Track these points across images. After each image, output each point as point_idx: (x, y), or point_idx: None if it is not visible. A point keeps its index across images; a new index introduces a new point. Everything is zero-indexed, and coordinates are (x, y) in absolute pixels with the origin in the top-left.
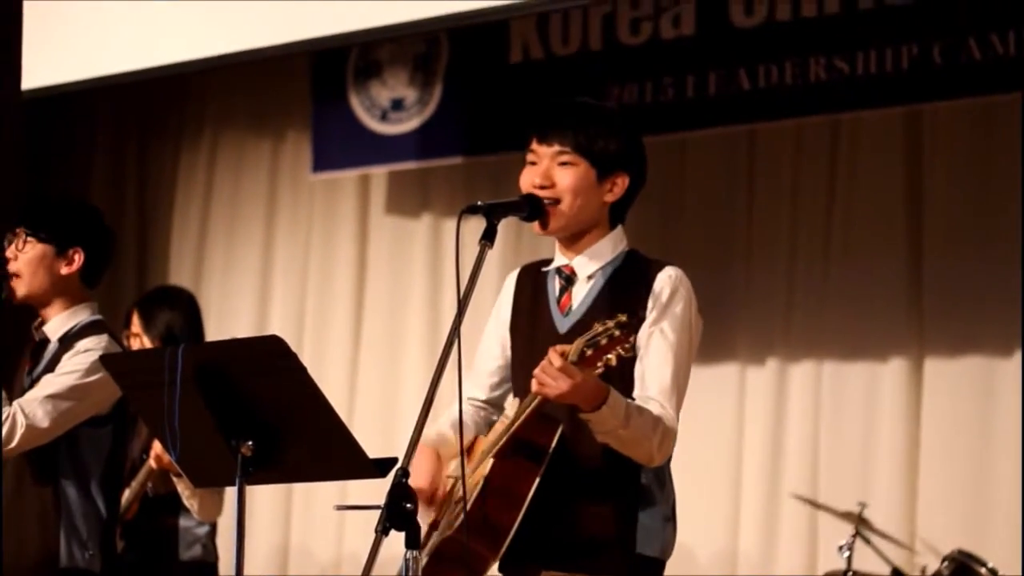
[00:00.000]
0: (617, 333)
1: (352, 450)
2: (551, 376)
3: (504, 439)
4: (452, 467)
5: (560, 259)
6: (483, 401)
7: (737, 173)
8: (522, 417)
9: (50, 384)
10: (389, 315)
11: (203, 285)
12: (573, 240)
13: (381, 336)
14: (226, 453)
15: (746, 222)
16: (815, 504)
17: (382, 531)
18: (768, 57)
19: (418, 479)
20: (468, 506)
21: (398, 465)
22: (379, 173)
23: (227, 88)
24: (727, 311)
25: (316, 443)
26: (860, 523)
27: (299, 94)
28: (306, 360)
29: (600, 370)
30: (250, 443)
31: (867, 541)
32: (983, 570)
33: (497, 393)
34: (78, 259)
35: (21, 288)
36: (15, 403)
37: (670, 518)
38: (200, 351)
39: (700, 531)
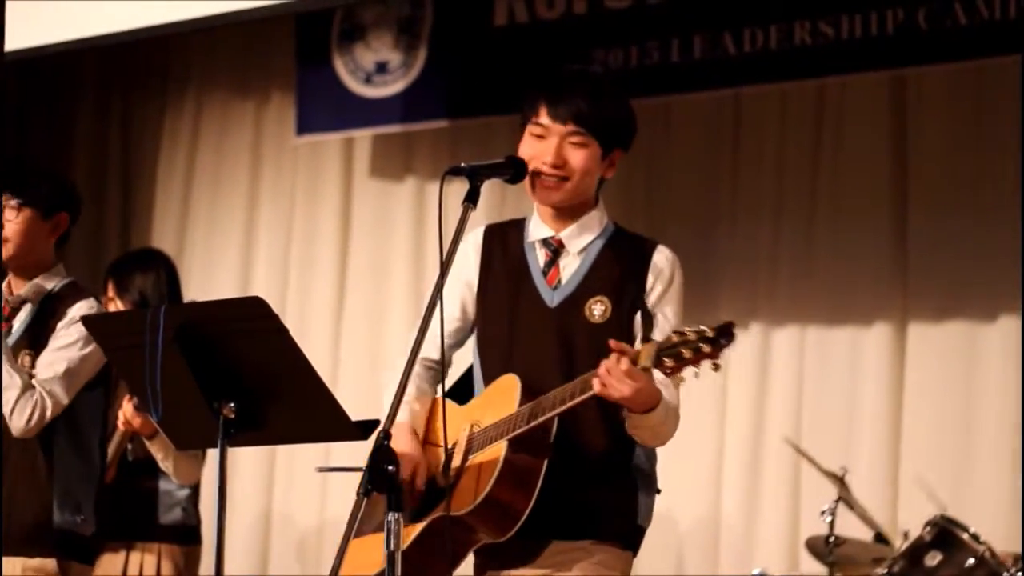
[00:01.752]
0: (706, 348)
1: (334, 412)
2: (616, 378)
3: (531, 425)
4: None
5: (543, 229)
6: (434, 361)
7: (722, 137)
8: (565, 406)
9: (60, 359)
10: (373, 277)
11: (186, 247)
12: (565, 213)
13: (365, 298)
14: (208, 415)
15: (731, 186)
16: (800, 452)
17: (364, 493)
18: (753, 21)
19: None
20: (488, 488)
21: (380, 427)
22: (363, 136)
23: (212, 50)
24: (711, 275)
25: (298, 405)
26: (842, 487)
27: (284, 56)
28: (289, 322)
29: (681, 380)
30: (232, 405)
31: (850, 506)
32: (965, 535)
33: (450, 352)
34: (63, 224)
35: (6, 253)
36: (36, 385)
37: (658, 490)
38: (182, 312)
39: (682, 497)
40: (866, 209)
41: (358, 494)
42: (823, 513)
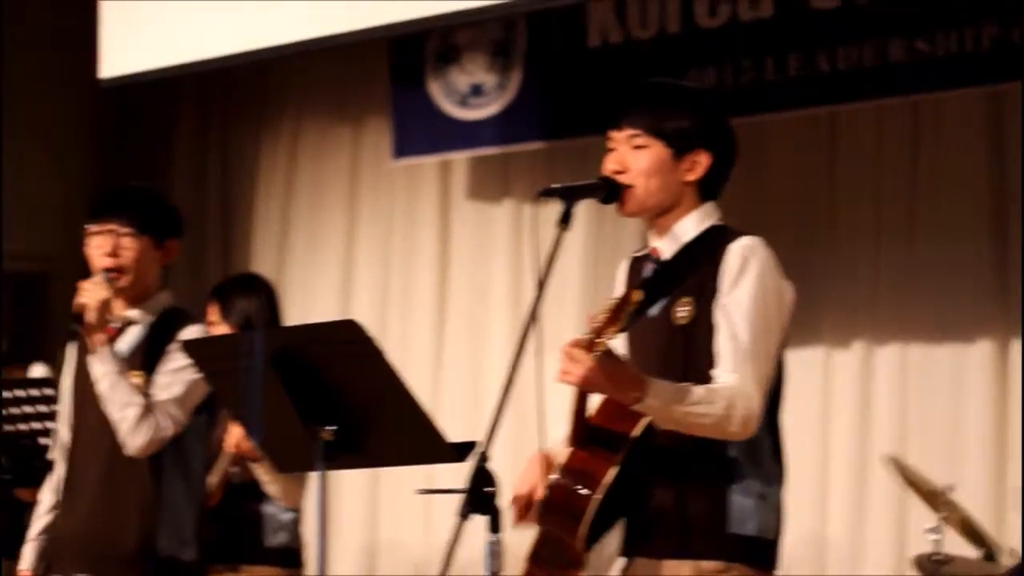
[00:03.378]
0: (607, 317)
1: (431, 434)
2: (565, 359)
3: (571, 426)
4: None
5: (650, 242)
6: None
7: (818, 156)
8: (572, 402)
9: (176, 382)
10: (472, 300)
11: (286, 272)
12: (657, 221)
13: (464, 321)
14: (307, 438)
15: (828, 205)
16: (902, 472)
17: (463, 516)
18: (848, 39)
19: (519, 484)
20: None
21: (478, 449)
22: (460, 158)
23: (308, 75)
24: (812, 296)
25: (395, 427)
26: (947, 505)
27: (379, 80)
28: (390, 345)
29: (598, 351)
30: (331, 428)
31: (956, 524)
32: None
33: None
34: (173, 251)
35: (122, 282)
36: (155, 407)
37: (764, 495)
38: (278, 336)
39: (788, 516)
40: (966, 225)
41: (458, 517)
42: (928, 531)
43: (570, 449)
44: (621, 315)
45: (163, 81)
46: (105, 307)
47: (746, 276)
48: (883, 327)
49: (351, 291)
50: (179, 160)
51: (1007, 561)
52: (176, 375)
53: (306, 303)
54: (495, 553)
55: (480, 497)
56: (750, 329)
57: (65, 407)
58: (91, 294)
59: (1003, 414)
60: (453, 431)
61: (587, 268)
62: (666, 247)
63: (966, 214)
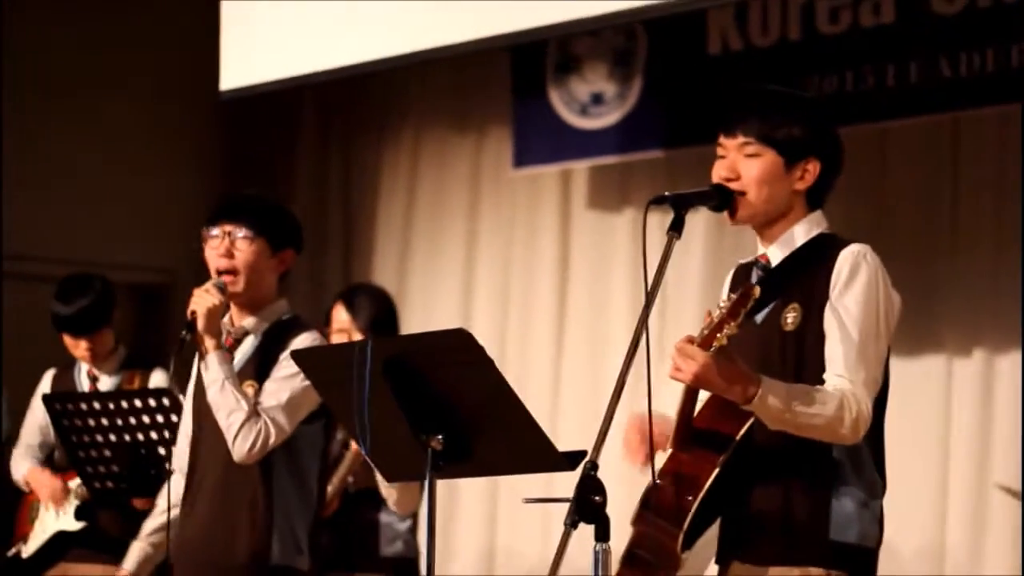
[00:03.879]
0: (725, 313)
1: (541, 443)
2: (679, 357)
3: (676, 428)
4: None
5: (759, 249)
6: None
7: (941, 162)
8: (679, 404)
9: (284, 388)
10: (592, 310)
11: (407, 282)
12: (766, 229)
13: (584, 331)
14: (416, 447)
15: (951, 212)
16: (1013, 494)
17: (571, 524)
18: (969, 44)
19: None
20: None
21: (587, 458)
22: (580, 168)
23: (429, 84)
24: (933, 303)
25: (505, 436)
26: None
27: (500, 90)
28: (510, 354)
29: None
30: (439, 437)
31: None
32: None
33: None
34: (289, 260)
35: (235, 286)
36: (261, 413)
37: (867, 503)
38: (388, 345)
39: (906, 526)
40: None
41: (565, 525)
42: None
43: (672, 450)
44: (739, 311)
45: (285, 91)
46: (216, 313)
47: (856, 282)
48: (1004, 335)
49: (471, 300)
50: (301, 169)
51: None
52: (285, 382)
53: (427, 312)
54: (602, 562)
55: (587, 505)
56: (860, 334)
57: (187, 415)
58: (202, 301)
59: None
60: (572, 440)
61: (706, 278)
62: (775, 254)
63: None
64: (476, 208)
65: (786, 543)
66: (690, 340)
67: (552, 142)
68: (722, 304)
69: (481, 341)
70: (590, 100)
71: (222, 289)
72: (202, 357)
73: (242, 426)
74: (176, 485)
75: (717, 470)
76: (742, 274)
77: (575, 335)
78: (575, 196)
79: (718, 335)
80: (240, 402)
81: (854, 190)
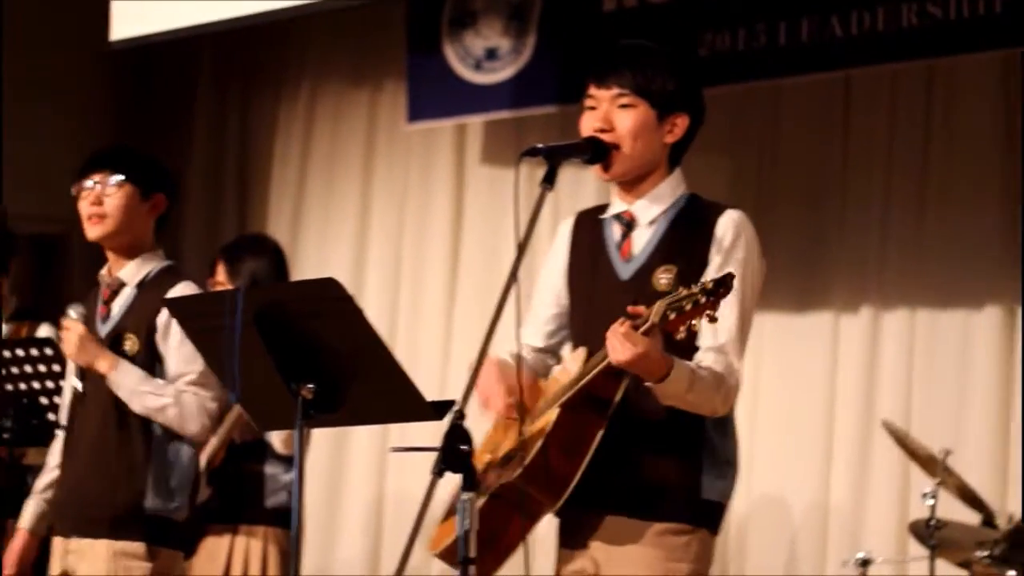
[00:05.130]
0: (703, 300)
1: (410, 392)
2: (617, 341)
3: (573, 391)
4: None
5: (619, 205)
6: (539, 349)
7: (832, 120)
8: (590, 375)
9: (195, 357)
10: (484, 263)
11: (301, 235)
12: (633, 185)
13: (477, 283)
14: (288, 396)
15: (841, 169)
16: (896, 435)
17: (438, 473)
18: (861, 3)
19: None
20: (533, 453)
21: (455, 407)
22: (474, 122)
23: (326, 39)
24: (821, 260)
25: (374, 386)
26: (943, 470)
27: (396, 45)
28: (402, 308)
29: (683, 335)
30: (310, 386)
31: (957, 489)
32: None
33: (554, 341)
34: (160, 205)
35: (106, 228)
36: (187, 388)
37: (732, 462)
38: (259, 294)
39: (792, 481)
40: (977, 191)
41: (432, 474)
42: (924, 496)
43: (558, 410)
44: (719, 303)
45: (182, 44)
46: (86, 342)
47: (737, 250)
48: (891, 293)
49: (365, 252)
50: (198, 123)
51: (1006, 526)
52: (189, 346)
53: (320, 264)
54: (467, 511)
55: (455, 454)
56: (740, 307)
57: (70, 372)
58: (67, 342)
59: (1008, 380)
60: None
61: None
62: (642, 210)
63: (977, 180)
64: (371, 162)
65: (663, 501)
66: (639, 315)
67: (446, 97)
68: (694, 289)
69: (374, 294)
70: (484, 55)
71: (79, 313)
72: (103, 375)
73: (179, 414)
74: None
75: (602, 431)
76: (589, 227)
77: (468, 288)
78: (469, 151)
79: (691, 322)
80: (162, 398)
81: (746, 146)
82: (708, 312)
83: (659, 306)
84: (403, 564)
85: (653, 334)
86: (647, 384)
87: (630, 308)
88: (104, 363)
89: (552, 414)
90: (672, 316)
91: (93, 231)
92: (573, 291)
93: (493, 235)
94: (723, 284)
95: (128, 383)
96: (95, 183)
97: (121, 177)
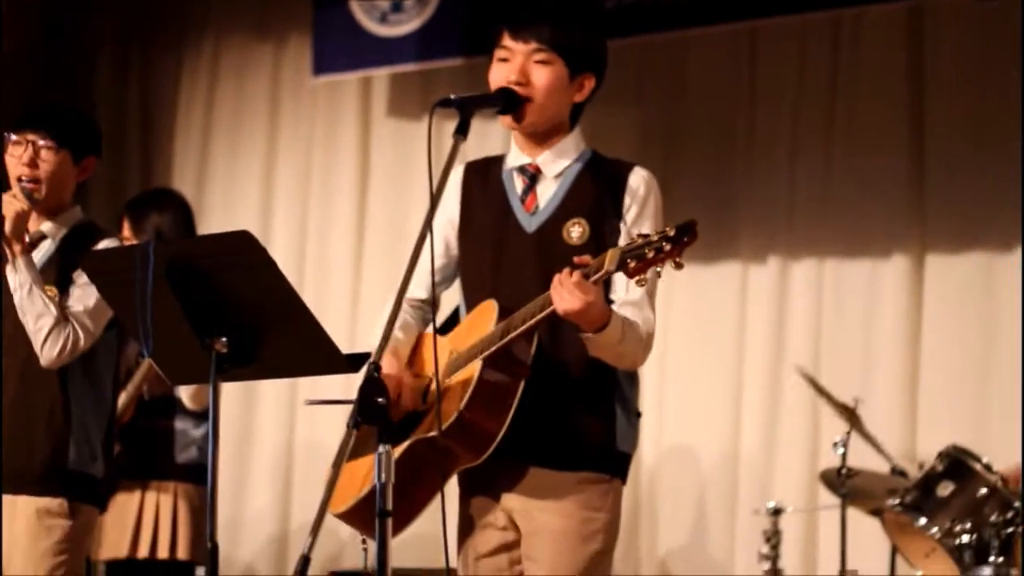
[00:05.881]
0: (666, 247)
1: (325, 345)
2: (567, 290)
3: (498, 344)
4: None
5: (520, 157)
6: (421, 300)
7: (739, 71)
8: (528, 323)
9: (90, 294)
10: (391, 216)
11: (207, 189)
12: (539, 138)
13: (384, 238)
14: (201, 350)
15: (748, 120)
16: (813, 383)
17: (353, 425)
18: None
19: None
20: (461, 408)
21: (370, 359)
22: (380, 75)
23: None
24: (729, 210)
25: (289, 339)
26: (854, 419)
27: None
28: (310, 261)
29: (643, 282)
30: (224, 340)
31: (866, 438)
32: (978, 466)
33: (437, 292)
34: (90, 168)
35: (39, 194)
36: (70, 318)
37: (638, 414)
38: (170, 248)
39: (702, 431)
40: (883, 141)
41: (348, 426)
42: (835, 444)
43: (480, 364)
44: (682, 252)
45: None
46: (23, 218)
47: (648, 208)
48: (799, 242)
49: (271, 207)
50: (100, 79)
51: (916, 474)
52: (88, 288)
53: (226, 219)
54: (385, 463)
55: (371, 407)
56: None
57: None
58: (9, 206)
59: (916, 328)
60: (370, 344)
61: None
62: (548, 163)
63: (883, 130)
64: (276, 116)
65: (582, 452)
66: (584, 274)
67: (352, 49)
68: (653, 237)
69: (281, 247)
70: (390, 7)
71: (29, 196)
72: (9, 261)
73: (51, 331)
74: None
75: (522, 385)
76: (482, 177)
77: (375, 241)
78: (375, 104)
79: (655, 268)
80: (48, 306)
81: (653, 98)
82: (676, 259)
83: (613, 254)
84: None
85: (599, 283)
86: (587, 335)
87: (576, 259)
88: (20, 247)
89: (474, 368)
90: (632, 263)
91: (23, 193)
92: (469, 244)
93: (400, 187)
94: (687, 231)
95: (30, 275)
96: (28, 142)
97: (56, 142)
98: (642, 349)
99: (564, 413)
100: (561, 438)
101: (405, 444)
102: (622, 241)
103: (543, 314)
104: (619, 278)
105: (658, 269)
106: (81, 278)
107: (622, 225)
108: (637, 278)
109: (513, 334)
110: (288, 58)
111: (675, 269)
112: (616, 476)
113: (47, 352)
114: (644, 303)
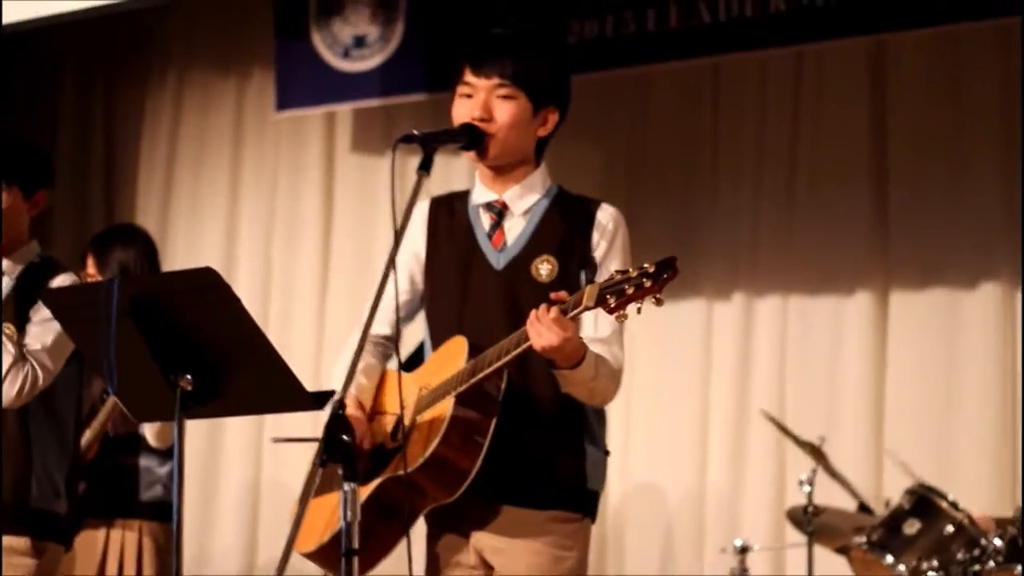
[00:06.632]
0: (647, 283)
1: (289, 382)
2: (545, 326)
3: (471, 382)
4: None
5: (487, 193)
6: (384, 337)
7: (701, 106)
8: (504, 359)
9: (47, 331)
10: (355, 252)
11: (170, 225)
12: (503, 173)
13: (348, 273)
14: (166, 387)
15: (711, 156)
16: (775, 422)
17: (320, 463)
18: None
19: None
20: (433, 446)
21: (335, 397)
22: (344, 111)
23: (193, 28)
24: (693, 246)
25: (254, 376)
26: (819, 457)
27: (264, 33)
28: (274, 297)
29: (624, 318)
30: (188, 377)
31: (833, 475)
32: (944, 503)
33: (401, 327)
34: (41, 202)
35: None
36: (28, 356)
37: (606, 452)
38: (134, 284)
39: (668, 468)
40: (846, 177)
41: (313, 464)
42: (801, 483)
43: (453, 401)
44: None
45: (44, 32)
46: None
47: (617, 246)
48: (763, 278)
49: (235, 242)
50: (63, 113)
51: (881, 512)
52: (47, 324)
53: (190, 253)
54: (351, 501)
55: (336, 444)
56: None
57: None
58: None
59: (880, 365)
60: (336, 385)
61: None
62: (515, 199)
63: (846, 165)
64: (240, 151)
65: (554, 490)
66: (562, 310)
67: (315, 85)
68: (633, 273)
69: (246, 284)
70: (353, 43)
71: None
72: None
73: (9, 370)
74: None
75: (494, 423)
76: (448, 213)
77: (339, 277)
78: (339, 139)
79: (635, 304)
80: (6, 346)
81: (616, 134)
82: (656, 296)
83: (591, 290)
84: (283, 565)
85: (576, 319)
86: (561, 371)
87: (553, 295)
88: None
89: (447, 406)
90: (612, 300)
91: None
92: (435, 279)
93: (364, 223)
94: (668, 267)
95: None
96: None
97: (6, 182)
98: (614, 385)
99: (535, 451)
100: (533, 476)
101: (375, 482)
102: (600, 277)
103: (519, 350)
104: (587, 315)
105: (638, 305)
106: (38, 315)
107: (599, 262)
108: (617, 314)
109: (488, 370)
110: (251, 93)
111: (656, 305)
112: (587, 515)
113: (6, 391)
114: (613, 340)
